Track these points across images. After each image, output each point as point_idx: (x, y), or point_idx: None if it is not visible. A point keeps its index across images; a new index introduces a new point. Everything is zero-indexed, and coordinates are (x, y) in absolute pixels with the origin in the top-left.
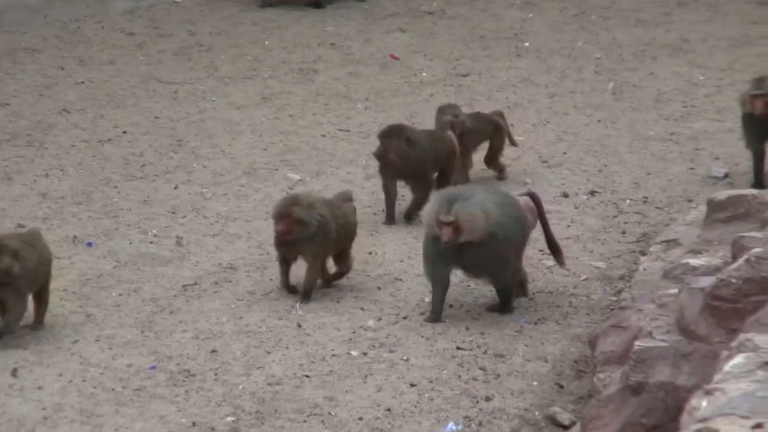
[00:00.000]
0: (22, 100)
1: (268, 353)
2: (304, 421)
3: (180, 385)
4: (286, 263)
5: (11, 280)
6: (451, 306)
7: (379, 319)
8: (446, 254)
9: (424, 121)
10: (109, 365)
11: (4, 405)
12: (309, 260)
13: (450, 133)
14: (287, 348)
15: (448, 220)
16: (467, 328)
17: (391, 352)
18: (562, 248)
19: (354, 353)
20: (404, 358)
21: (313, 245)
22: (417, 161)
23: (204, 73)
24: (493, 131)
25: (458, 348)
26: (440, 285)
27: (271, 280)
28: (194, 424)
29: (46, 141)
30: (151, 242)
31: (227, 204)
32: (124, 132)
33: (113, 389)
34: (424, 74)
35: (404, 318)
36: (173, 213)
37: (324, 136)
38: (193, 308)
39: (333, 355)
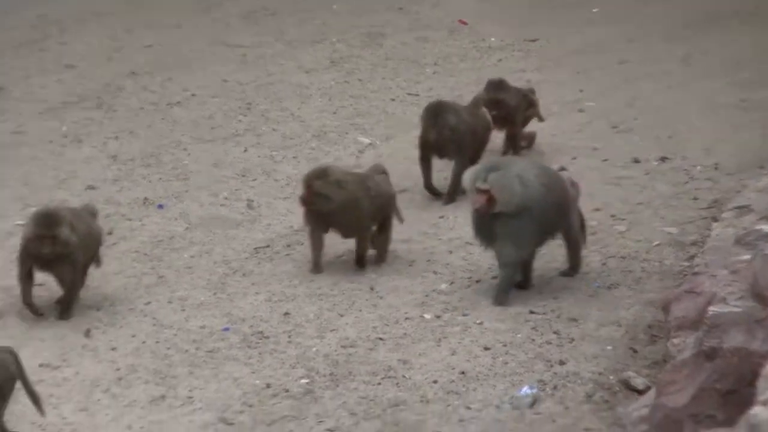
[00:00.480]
0: (91, 63)
1: (341, 316)
2: (378, 384)
3: (253, 347)
4: (318, 239)
5: (68, 252)
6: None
7: (452, 283)
8: (476, 222)
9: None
10: (183, 327)
11: (78, 365)
12: (354, 236)
13: (484, 109)
14: (360, 311)
15: (484, 188)
16: (540, 292)
17: (464, 315)
18: None
19: (427, 316)
20: (477, 321)
21: (346, 218)
22: (461, 137)
23: (271, 37)
24: (527, 106)
25: (531, 312)
26: (515, 267)
27: (342, 242)
28: (268, 385)
29: (115, 104)
30: (221, 205)
31: (297, 167)
32: (193, 95)
33: (186, 350)
34: (493, 39)
35: (477, 281)
36: (243, 176)
37: (393, 100)
38: (265, 270)
39: (406, 318)
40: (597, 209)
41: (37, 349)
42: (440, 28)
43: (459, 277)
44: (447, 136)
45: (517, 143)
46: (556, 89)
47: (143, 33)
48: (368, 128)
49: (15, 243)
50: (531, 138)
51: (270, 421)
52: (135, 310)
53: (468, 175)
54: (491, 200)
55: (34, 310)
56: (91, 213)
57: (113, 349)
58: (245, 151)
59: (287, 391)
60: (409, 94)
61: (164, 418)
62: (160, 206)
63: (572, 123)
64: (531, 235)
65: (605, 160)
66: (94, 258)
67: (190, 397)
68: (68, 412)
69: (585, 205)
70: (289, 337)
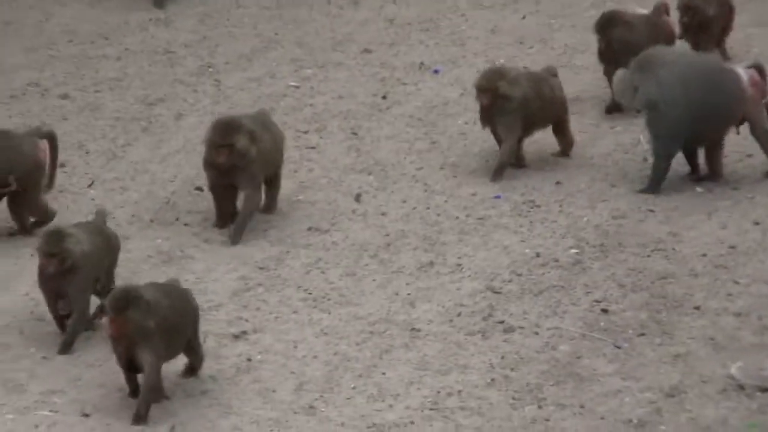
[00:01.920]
0: None
1: (613, 186)
2: (648, 256)
3: (524, 215)
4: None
5: (246, 163)
6: None
7: (726, 156)
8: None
9: None
10: (453, 193)
11: (347, 230)
12: (502, 134)
13: (666, 17)
14: (632, 182)
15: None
16: None
17: (734, 189)
18: None
19: (699, 189)
20: (749, 195)
21: (508, 118)
22: (630, 50)
23: None
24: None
25: None
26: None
27: (620, 111)
28: (538, 255)
29: None
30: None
31: (574, 36)
32: None
33: (457, 217)
34: None
35: (748, 156)
36: (520, 43)
37: None
38: (534, 138)
39: (678, 191)
40: None
41: (307, 213)
42: None
43: (731, 150)
44: (615, 48)
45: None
46: None
47: None
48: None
49: (287, 104)
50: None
51: (538, 291)
52: (407, 175)
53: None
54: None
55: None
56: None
57: (383, 214)
58: (523, 18)
59: (556, 260)
60: None
61: (432, 285)
62: (436, 71)
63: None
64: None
65: None
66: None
67: (459, 265)
68: (335, 277)
69: None
70: (560, 206)
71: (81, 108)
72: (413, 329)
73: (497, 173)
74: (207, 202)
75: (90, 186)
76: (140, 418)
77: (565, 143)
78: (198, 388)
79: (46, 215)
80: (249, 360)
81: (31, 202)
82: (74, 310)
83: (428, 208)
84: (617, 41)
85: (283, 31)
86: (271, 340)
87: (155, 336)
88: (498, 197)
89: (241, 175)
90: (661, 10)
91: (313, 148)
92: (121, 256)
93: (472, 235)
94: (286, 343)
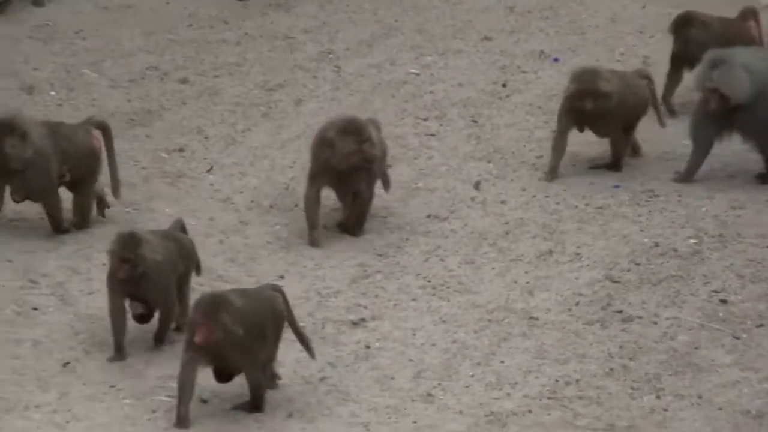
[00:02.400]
0: None
1: (731, 177)
2: (767, 247)
3: (643, 204)
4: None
5: (371, 166)
6: None
7: None
8: (717, 117)
9: None
10: (572, 182)
11: (466, 217)
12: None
13: (752, 23)
14: (750, 173)
15: (712, 87)
16: None
17: None
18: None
19: None
20: None
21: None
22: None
23: None
24: None
25: None
26: (703, 147)
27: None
28: (657, 244)
29: None
30: (617, 60)
31: None
32: None
33: (576, 206)
34: None
35: None
36: (640, 32)
37: None
38: (654, 128)
39: None
40: None
41: (426, 200)
42: None
43: None
44: (690, 49)
45: None
46: None
47: None
48: None
49: (407, 91)
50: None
51: (656, 281)
52: (526, 163)
53: (694, 78)
54: (724, 97)
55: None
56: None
57: (502, 202)
58: (644, 7)
59: (675, 250)
60: None
61: (550, 274)
62: (555, 59)
63: None
64: None
65: None
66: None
67: (578, 254)
68: (454, 264)
69: None
70: (679, 196)
71: (200, 93)
72: (531, 318)
73: (615, 167)
74: (326, 190)
75: (209, 171)
76: (258, 407)
77: (635, 146)
78: (316, 375)
79: (88, 214)
80: (367, 347)
81: (86, 193)
82: (161, 310)
83: (547, 197)
84: (693, 41)
85: (403, 18)
86: (390, 327)
87: (244, 341)
88: (617, 186)
89: (364, 177)
90: (747, 14)
91: (432, 135)
92: (240, 242)
93: (591, 224)
94: (404, 330)
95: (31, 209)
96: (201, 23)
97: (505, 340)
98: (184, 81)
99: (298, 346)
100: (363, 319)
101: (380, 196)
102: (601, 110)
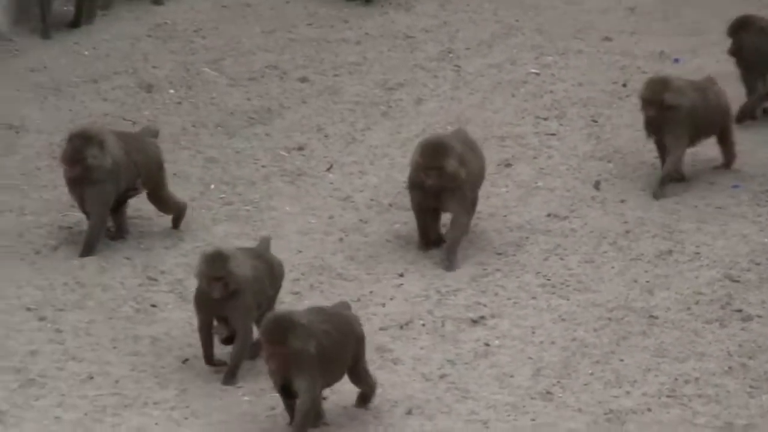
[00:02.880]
0: None
1: None
2: None
3: (763, 205)
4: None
5: (456, 186)
6: None
7: None
8: None
9: None
10: (692, 182)
11: (585, 216)
12: (670, 145)
13: None
14: None
15: None
16: None
17: None
18: None
19: None
20: None
21: (676, 129)
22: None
23: None
24: None
25: None
26: None
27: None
28: None
29: None
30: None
31: None
32: None
33: (695, 206)
34: None
35: None
36: None
37: None
38: None
39: None
40: None
41: (545, 199)
42: None
43: None
44: (745, 53)
45: None
46: None
47: None
48: None
49: (527, 90)
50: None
51: None
52: (645, 163)
53: None
54: None
55: None
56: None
57: (622, 201)
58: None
59: None
60: None
61: (670, 273)
62: (676, 60)
63: None
64: None
65: None
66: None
67: (697, 253)
68: (574, 263)
69: None
70: None
71: (320, 91)
72: (651, 316)
73: (662, 185)
74: None
75: (329, 169)
76: None
77: (729, 155)
78: (436, 372)
79: (179, 208)
80: (487, 345)
81: (163, 201)
82: (237, 336)
83: (667, 197)
84: (748, 46)
85: (523, 18)
86: (509, 325)
87: (311, 362)
88: (736, 187)
89: (450, 197)
90: None
91: (552, 134)
92: (360, 240)
93: (711, 224)
94: (523, 328)
95: (149, 207)
96: (321, 22)
97: (624, 339)
98: (303, 80)
99: (418, 342)
100: (482, 317)
101: (500, 196)
102: (668, 120)
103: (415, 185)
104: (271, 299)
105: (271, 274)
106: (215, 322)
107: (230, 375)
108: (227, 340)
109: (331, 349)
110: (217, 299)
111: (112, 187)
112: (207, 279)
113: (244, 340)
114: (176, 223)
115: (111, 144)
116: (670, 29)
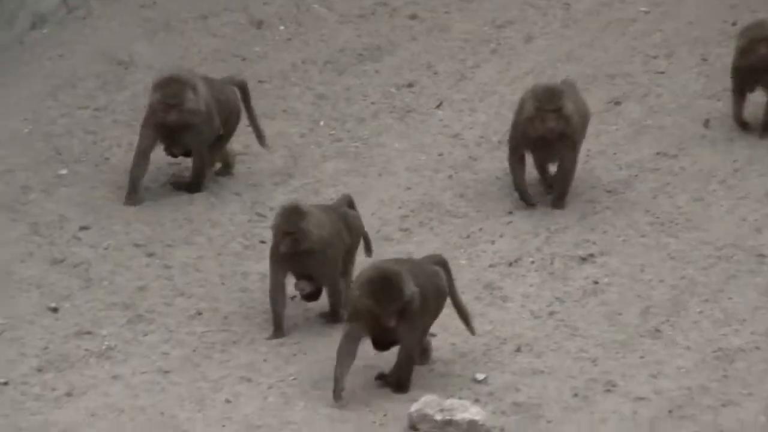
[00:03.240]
0: None
1: None
2: None
3: None
4: None
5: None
6: None
7: None
8: None
9: None
10: None
11: (695, 155)
12: None
13: None
14: None
15: None
16: None
17: None
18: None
19: None
20: None
21: None
22: None
23: None
24: None
25: None
26: None
27: None
28: None
29: None
30: None
31: None
32: None
33: None
34: None
35: None
36: None
37: None
38: None
39: None
40: None
41: (655, 138)
42: None
43: None
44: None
45: None
46: None
47: None
48: None
49: (637, 29)
50: None
51: None
52: (754, 101)
53: None
54: None
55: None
56: None
57: (731, 140)
58: None
59: None
60: None
61: None
62: None
63: None
64: None
65: None
66: None
67: None
68: (683, 201)
69: None
70: None
71: (429, 29)
72: (760, 255)
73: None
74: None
75: (438, 107)
76: (402, 386)
77: None
78: (545, 310)
79: (230, 160)
80: (596, 282)
81: (222, 147)
82: (328, 287)
83: None
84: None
85: None
86: (618, 263)
87: (417, 315)
88: None
89: (563, 142)
90: None
91: (662, 73)
92: (470, 177)
93: None
94: (632, 266)
95: (257, 145)
96: None
97: (733, 277)
98: (413, 17)
99: (526, 280)
100: (591, 255)
101: (609, 134)
102: None
103: (526, 136)
104: (350, 253)
105: (347, 225)
106: (295, 280)
107: (334, 315)
108: (309, 296)
109: (426, 302)
110: (296, 256)
111: (208, 129)
112: (279, 232)
113: (336, 287)
114: (226, 171)
115: (202, 88)
116: None
